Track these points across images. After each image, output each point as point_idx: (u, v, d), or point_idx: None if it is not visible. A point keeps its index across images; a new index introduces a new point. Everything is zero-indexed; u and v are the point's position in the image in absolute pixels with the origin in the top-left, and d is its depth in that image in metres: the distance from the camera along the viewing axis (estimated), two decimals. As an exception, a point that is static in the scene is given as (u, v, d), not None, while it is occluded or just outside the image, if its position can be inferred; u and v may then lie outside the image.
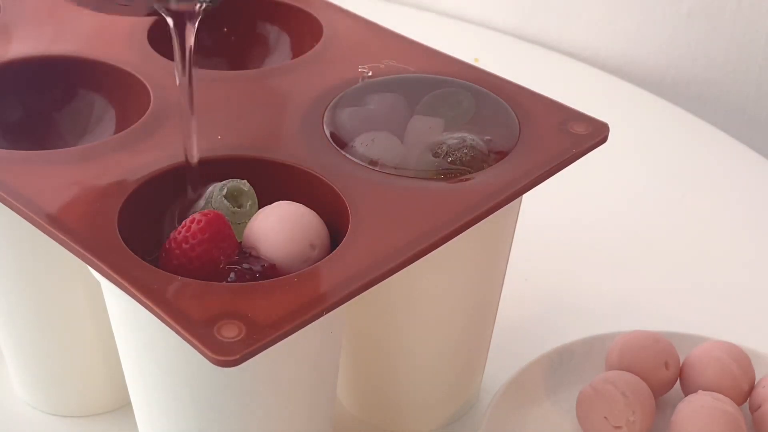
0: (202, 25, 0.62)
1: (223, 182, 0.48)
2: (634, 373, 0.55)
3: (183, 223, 0.46)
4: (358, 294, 0.43)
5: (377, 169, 0.49)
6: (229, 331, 0.40)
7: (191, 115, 0.47)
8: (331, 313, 0.42)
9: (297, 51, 0.60)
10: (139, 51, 0.57)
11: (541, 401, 0.57)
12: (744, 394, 0.56)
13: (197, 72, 0.56)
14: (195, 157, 0.47)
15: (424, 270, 0.48)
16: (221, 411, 0.46)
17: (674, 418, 0.53)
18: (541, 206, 0.64)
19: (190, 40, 0.46)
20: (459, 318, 0.54)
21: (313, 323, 0.41)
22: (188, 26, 0.45)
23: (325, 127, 0.52)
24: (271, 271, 0.45)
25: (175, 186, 0.48)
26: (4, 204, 0.47)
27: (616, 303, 0.66)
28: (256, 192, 0.48)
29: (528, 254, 0.64)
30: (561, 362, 0.58)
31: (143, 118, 0.52)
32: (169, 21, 0.45)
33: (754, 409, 0.55)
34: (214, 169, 0.49)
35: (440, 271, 0.51)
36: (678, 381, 0.57)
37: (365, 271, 0.43)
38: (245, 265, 0.45)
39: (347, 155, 0.50)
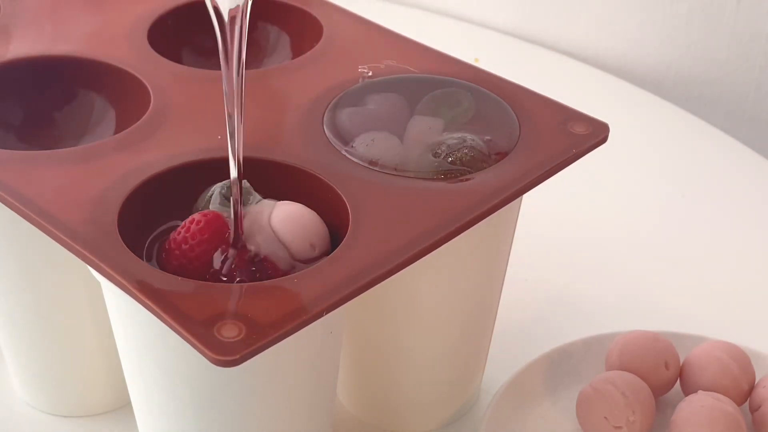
0: (202, 26, 0.62)
1: (223, 182, 0.48)
2: (634, 373, 0.55)
3: (183, 223, 0.46)
4: (358, 294, 0.43)
5: (377, 169, 0.49)
6: (229, 331, 0.40)
7: (241, 119, 0.45)
8: (331, 313, 0.42)
9: (297, 51, 0.60)
10: (139, 51, 0.57)
11: (541, 401, 0.57)
12: (744, 394, 0.56)
13: (197, 72, 0.56)
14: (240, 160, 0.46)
15: (424, 270, 0.48)
16: (221, 411, 0.46)
17: (674, 418, 0.53)
18: (541, 206, 0.64)
19: (245, 31, 0.43)
20: (459, 318, 0.54)
21: (313, 323, 0.41)
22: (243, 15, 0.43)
23: (325, 127, 0.52)
24: (271, 271, 0.45)
25: (175, 186, 0.48)
26: (4, 204, 0.47)
27: (616, 303, 0.66)
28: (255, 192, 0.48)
29: (528, 254, 0.64)
30: (561, 362, 0.58)
31: (143, 118, 0.52)
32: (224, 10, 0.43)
33: (754, 409, 0.55)
34: (214, 169, 0.49)
35: (440, 271, 0.51)
36: (678, 381, 0.57)
37: (365, 271, 0.43)
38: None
39: (347, 155, 0.50)
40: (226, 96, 0.44)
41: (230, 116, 0.44)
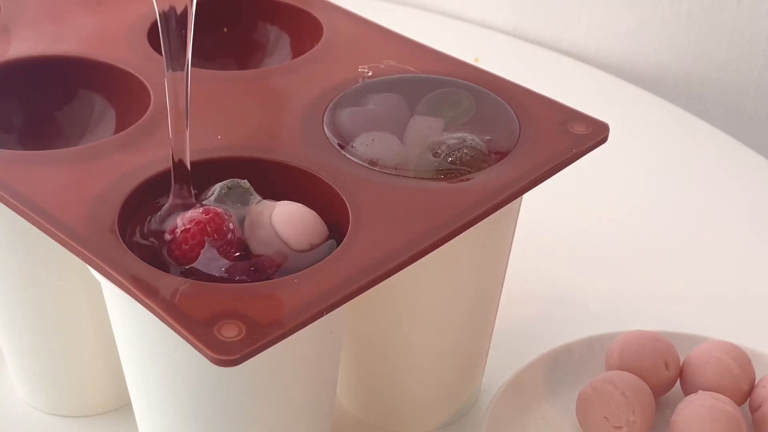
0: (202, 26, 0.62)
1: (224, 182, 0.48)
2: (634, 373, 0.55)
3: (183, 223, 0.46)
4: (358, 294, 0.43)
5: (377, 169, 0.49)
6: (229, 331, 0.40)
7: (186, 115, 0.45)
8: (331, 313, 0.42)
9: (297, 51, 0.60)
10: (139, 51, 0.57)
11: (541, 401, 0.57)
12: (744, 394, 0.56)
13: (197, 72, 0.56)
14: (187, 158, 0.46)
15: (424, 270, 0.48)
16: (221, 411, 0.46)
17: (674, 418, 0.53)
18: (541, 206, 0.64)
19: (190, 22, 0.44)
20: (459, 318, 0.54)
21: (313, 323, 0.41)
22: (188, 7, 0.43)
23: (325, 127, 0.52)
24: (271, 270, 0.45)
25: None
26: (4, 204, 0.47)
27: (616, 303, 0.66)
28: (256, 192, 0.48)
29: (528, 254, 0.64)
30: (561, 362, 0.58)
31: (143, 118, 0.52)
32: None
33: (754, 409, 0.55)
34: (214, 169, 0.49)
35: (440, 271, 0.51)
36: (678, 381, 0.57)
37: (365, 271, 0.43)
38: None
39: (347, 155, 0.50)
40: (168, 94, 0.44)
41: (174, 113, 0.44)
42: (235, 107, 0.53)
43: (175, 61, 0.44)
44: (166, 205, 0.47)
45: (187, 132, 0.45)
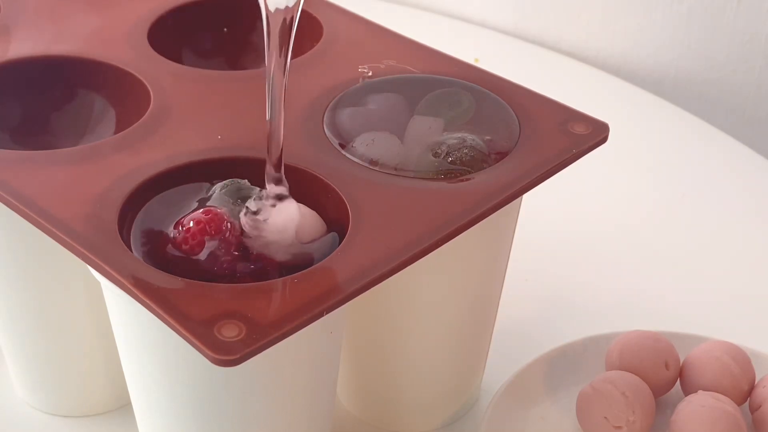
0: (202, 26, 0.62)
1: (224, 182, 0.48)
2: (634, 373, 0.55)
3: (183, 223, 0.46)
4: (359, 294, 0.43)
5: (377, 169, 0.49)
6: (230, 331, 0.40)
7: (282, 113, 0.46)
8: (331, 313, 0.42)
9: (297, 51, 0.60)
10: (139, 51, 0.57)
11: (541, 401, 0.57)
12: (744, 394, 0.56)
13: (197, 72, 0.56)
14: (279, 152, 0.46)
15: (425, 270, 0.48)
16: (221, 411, 0.46)
17: (674, 418, 0.53)
18: (541, 206, 0.64)
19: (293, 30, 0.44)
20: (459, 318, 0.54)
21: (313, 323, 0.41)
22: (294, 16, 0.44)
23: (325, 127, 0.52)
24: (270, 270, 0.45)
25: (175, 186, 0.48)
26: (4, 204, 0.47)
27: (616, 303, 0.66)
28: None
29: (528, 254, 0.64)
30: (561, 362, 0.58)
31: (143, 118, 0.52)
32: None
33: (754, 409, 0.55)
34: (214, 169, 0.49)
35: (440, 271, 0.51)
36: (678, 381, 0.57)
37: (365, 271, 0.43)
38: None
39: (347, 155, 0.50)
40: (269, 96, 0.44)
41: (272, 116, 0.45)
42: (235, 107, 0.53)
43: (279, 64, 0.44)
44: (263, 194, 0.47)
45: (282, 132, 0.46)
